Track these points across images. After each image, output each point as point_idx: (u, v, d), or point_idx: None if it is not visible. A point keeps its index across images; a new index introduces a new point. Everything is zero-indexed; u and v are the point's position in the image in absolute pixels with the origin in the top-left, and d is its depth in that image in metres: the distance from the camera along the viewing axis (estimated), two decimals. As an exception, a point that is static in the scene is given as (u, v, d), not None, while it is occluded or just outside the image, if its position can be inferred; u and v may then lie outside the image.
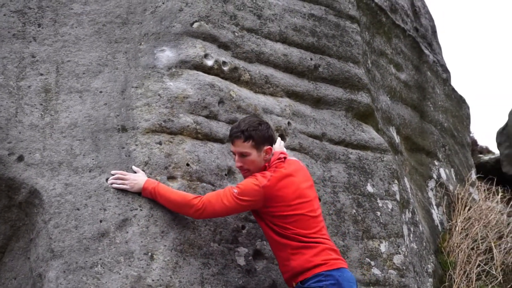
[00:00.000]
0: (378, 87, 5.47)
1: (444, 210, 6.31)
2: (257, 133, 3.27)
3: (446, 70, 7.44)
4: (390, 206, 4.45)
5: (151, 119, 3.53)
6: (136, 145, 3.45)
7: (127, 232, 3.18)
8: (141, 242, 3.16)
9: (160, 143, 3.48)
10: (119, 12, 3.98)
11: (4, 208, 3.47)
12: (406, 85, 6.21)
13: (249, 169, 3.33)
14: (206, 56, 3.86)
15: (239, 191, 3.15)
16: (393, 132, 5.63)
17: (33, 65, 3.68)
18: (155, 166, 3.40)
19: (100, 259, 3.09)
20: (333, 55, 4.64)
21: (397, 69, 6.11)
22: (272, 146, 3.38)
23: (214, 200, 3.16)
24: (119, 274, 3.06)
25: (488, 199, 7.05)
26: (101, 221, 3.20)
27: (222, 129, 3.74)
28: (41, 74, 3.67)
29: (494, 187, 7.40)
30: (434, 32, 7.60)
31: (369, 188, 4.41)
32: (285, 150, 3.74)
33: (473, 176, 7.47)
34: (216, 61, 3.90)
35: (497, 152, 10.62)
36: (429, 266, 5.26)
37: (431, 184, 6.35)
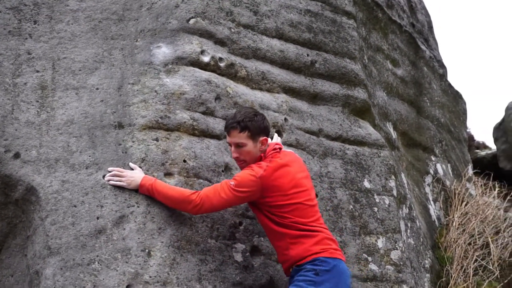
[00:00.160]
0: (374, 82, 5.47)
1: (441, 206, 6.31)
2: (253, 123, 3.27)
3: (442, 66, 7.44)
4: (387, 201, 4.46)
5: (148, 115, 3.52)
6: (133, 141, 3.45)
7: (124, 228, 3.18)
8: (138, 238, 3.16)
9: (157, 140, 3.47)
10: (115, 9, 3.97)
11: (1, 205, 3.46)
12: (403, 81, 6.21)
13: (245, 160, 3.33)
14: (202, 52, 3.86)
15: (236, 183, 3.16)
16: (390, 127, 5.63)
17: (29, 62, 3.67)
18: (152, 163, 3.40)
19: (97, 256, 3.09)
20: (329, 51, 4.64)
21: (394, 64, 6.11)
22: (267, 137, 3.39)
23: (212, 194, 3.16)
24: (116, 270, 3.06)
25: (485, 194, 7.07)
26: (98, 218, 3.20)
27: (219, 125, 3.74)
28: (37, 71, 3.66)
29: (491, 182, 7.42)
30: (430, 27, 7.60)
31: (366, 184, 4.42)
32: (280, 142, 3.75)
33: (470, 171, 7.48)
34: (212, 57, 3.90)
35: (493, 147, 10.66)
36: (426, 261, 5.27)
37: (428, 179, 6.36)
